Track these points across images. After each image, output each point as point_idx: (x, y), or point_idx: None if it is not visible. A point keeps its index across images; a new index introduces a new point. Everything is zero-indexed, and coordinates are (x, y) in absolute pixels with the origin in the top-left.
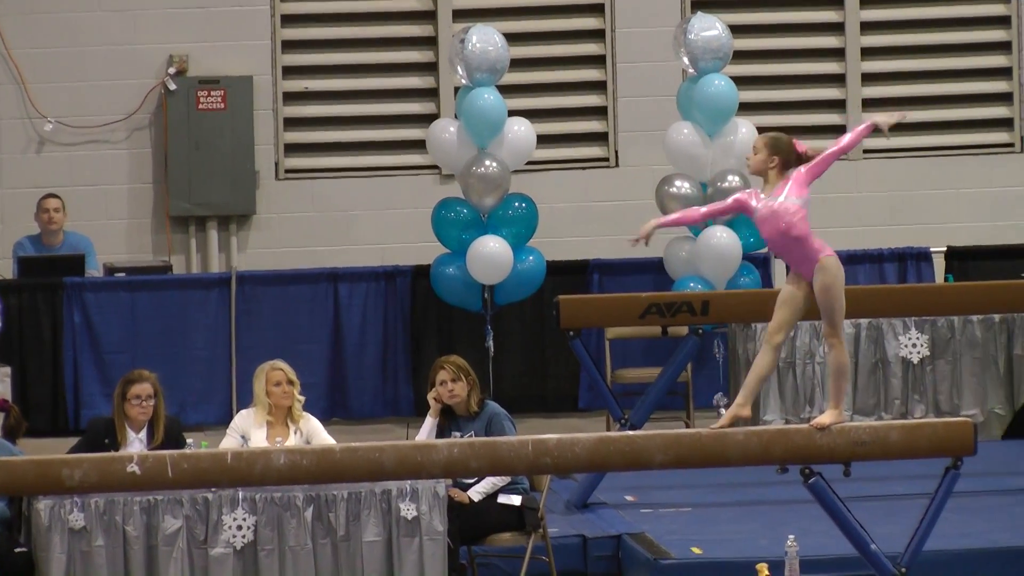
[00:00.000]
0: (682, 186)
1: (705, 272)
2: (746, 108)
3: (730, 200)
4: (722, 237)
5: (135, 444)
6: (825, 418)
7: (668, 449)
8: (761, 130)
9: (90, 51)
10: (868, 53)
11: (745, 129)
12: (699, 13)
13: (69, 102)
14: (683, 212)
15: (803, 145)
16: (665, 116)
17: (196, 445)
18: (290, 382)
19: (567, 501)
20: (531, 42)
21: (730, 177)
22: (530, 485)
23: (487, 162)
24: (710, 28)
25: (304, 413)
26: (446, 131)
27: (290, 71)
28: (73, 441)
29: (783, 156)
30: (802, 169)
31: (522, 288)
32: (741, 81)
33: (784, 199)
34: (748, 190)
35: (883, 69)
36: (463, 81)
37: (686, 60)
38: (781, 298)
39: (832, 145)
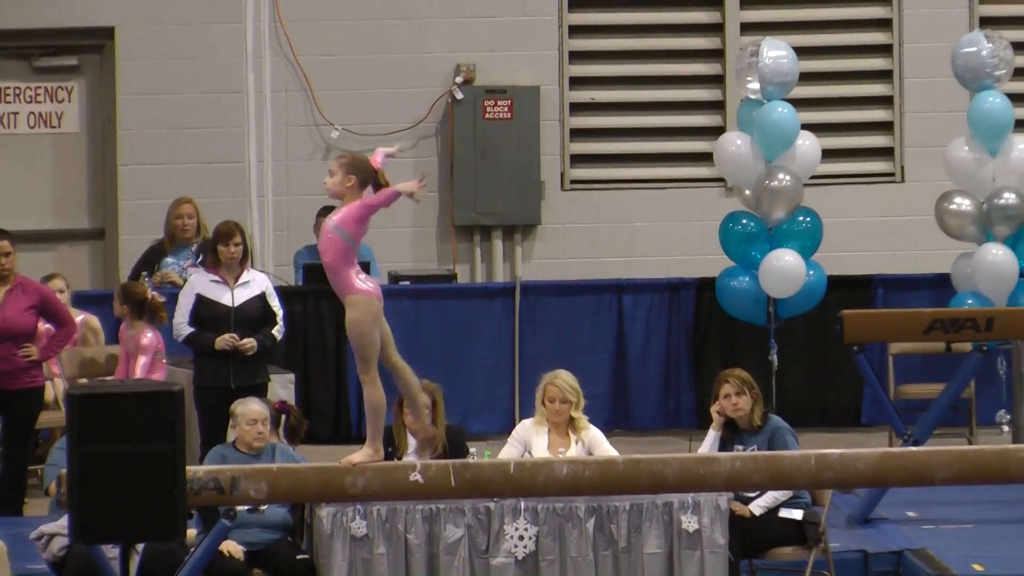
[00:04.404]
0: (962, 203)
1: (983, 288)
2: None
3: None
4: (998, 254)
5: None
6: (356, 456)
7: (951, 465)
8: None
9: (378, 59)
10: None
11: (1022, 146)
12: (977, 31)
13: (355, 110)
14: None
15: (378, 162)
16: (953, 132)
17: (479, 454)
18: (564, 401)
19: (849, 516)
20: (817, 56)
21: (1007, 195)
22: (812, 499)
23: (779, 175)
24: (981, 45)
25: (586, 424)
26: (734, 144)
27: (577, 82)
28: (355, 448)
29: (360, 175)
30: (364, 199)
31: (806, 302)
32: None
33: (329, 221)
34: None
35: None
36: (752, 95)
37: (960, 76)
38: None
39: (376, 195)
